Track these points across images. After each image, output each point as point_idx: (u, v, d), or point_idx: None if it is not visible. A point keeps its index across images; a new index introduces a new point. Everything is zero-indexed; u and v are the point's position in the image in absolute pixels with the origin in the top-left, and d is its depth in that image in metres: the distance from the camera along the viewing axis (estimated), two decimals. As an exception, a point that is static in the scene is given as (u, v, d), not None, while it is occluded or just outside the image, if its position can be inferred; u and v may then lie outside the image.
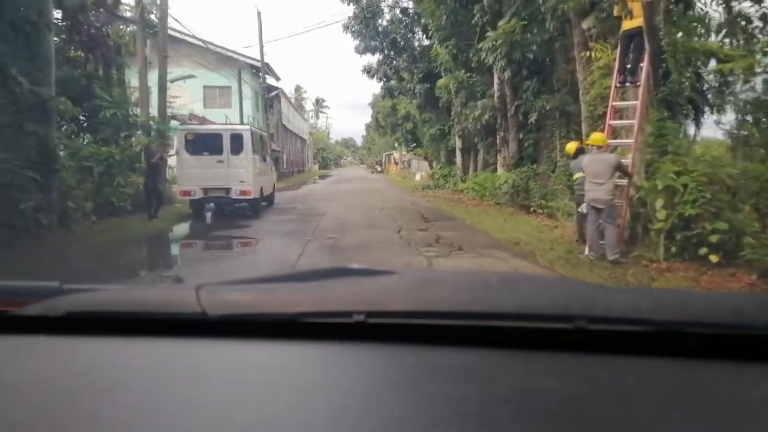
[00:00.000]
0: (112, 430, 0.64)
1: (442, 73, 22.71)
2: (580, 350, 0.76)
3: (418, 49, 25.85)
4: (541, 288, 0.94)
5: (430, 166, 41.21)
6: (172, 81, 20.58)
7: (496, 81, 17.19)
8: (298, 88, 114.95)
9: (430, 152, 32.91)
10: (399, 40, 26.27)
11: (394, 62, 27.41)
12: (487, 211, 15.18)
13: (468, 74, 18.71)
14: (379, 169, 63.04)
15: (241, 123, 31.68)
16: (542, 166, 14.96)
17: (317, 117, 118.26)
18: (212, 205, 14.96)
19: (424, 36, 25.41)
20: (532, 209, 13.95)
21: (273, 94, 34.51)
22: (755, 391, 0.69)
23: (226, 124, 20.91)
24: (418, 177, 38.64)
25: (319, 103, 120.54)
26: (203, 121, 20.25)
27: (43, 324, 0.91)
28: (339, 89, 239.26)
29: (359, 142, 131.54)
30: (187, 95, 35.33)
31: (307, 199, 21.89)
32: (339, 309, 0.84)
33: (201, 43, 28.18)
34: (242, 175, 14.16)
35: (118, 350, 0.87)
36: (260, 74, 32.55)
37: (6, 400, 0.73)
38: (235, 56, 32.48)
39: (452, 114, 23.14)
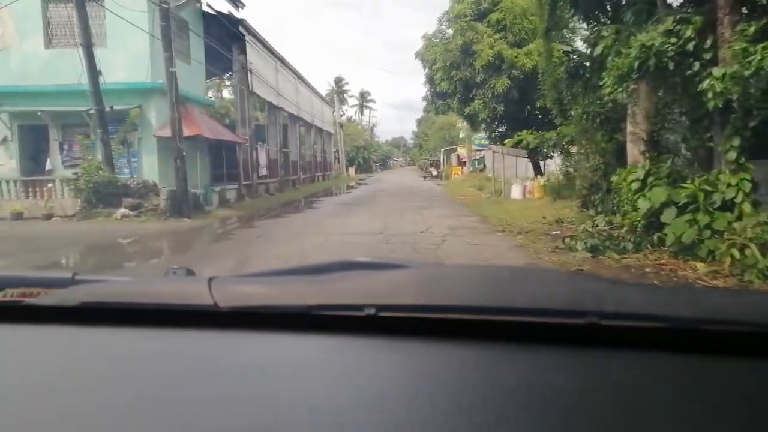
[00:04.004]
0: (124, 418, 0.64)
1: None
2: (591, 346, 0.75)
3: None
4: (553, 283, 0.91)
5: (537, 171, 21.18)
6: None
7: None
8: (339, 80, 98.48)
9: (574, 133, 12.93)
10: None
11: None
12: None
13: None
14: (435, 172, 43.38)
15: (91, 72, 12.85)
16: None
17: (361, 113, 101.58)
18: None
19: None
20: None
21: (180, 3, 15.30)
22: None
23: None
24: (517, 191, 18.80)
25: (363, 96, 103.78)
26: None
27: (58, 314, 0.92)
28: (389, 87, 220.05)
29: (411, 142, 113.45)
30: (11, 22, 16.81)
31: None
32: (350, 302, 0.83)
33: None
34: None
35: (131, 340, 0.87)
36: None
37: (20, 388, 0.73)
38: None
39: None
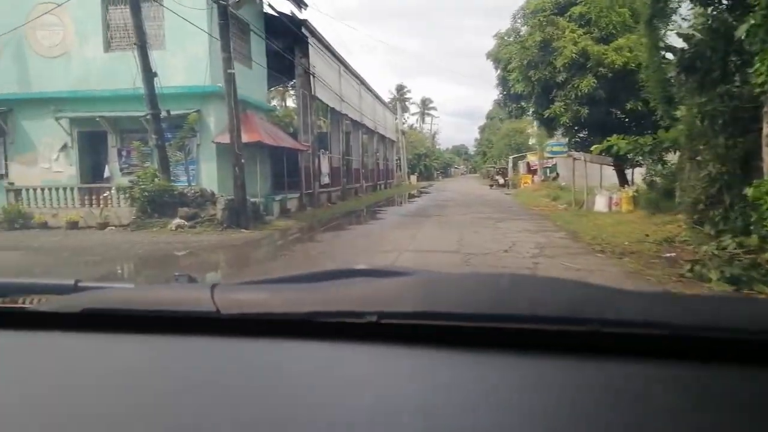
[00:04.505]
0: (125, 425, 0.65)
1: None
2: (593, 353, 0.74)
3: None
4: (554, 290, 0.88)
5: (623, 180, 19.21)
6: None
7: None
8: (400, 87, 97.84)
9: (680, 137, 11.07)
10: None
11: None
12: None
13: None
14: (501, 181, 41.38)
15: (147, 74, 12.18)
16: None
17: (422, 120, 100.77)
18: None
19: None
20: None
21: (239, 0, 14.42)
22: None
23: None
24: (601, 203, 16.97)
25: (425, 104, 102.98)
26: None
27: (60, 320, 0.92)
28: (450, 95, 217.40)
29: (472, 150, 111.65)
30: (71, 25, 16.48)
31: None
32: (352, 309, 0.82)
33: None
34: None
35: (133, 347, 0.87)
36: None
37: (22, 394, 0.74)
38: None
39: None
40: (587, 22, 17.27)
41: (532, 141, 39.95)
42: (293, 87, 31.27)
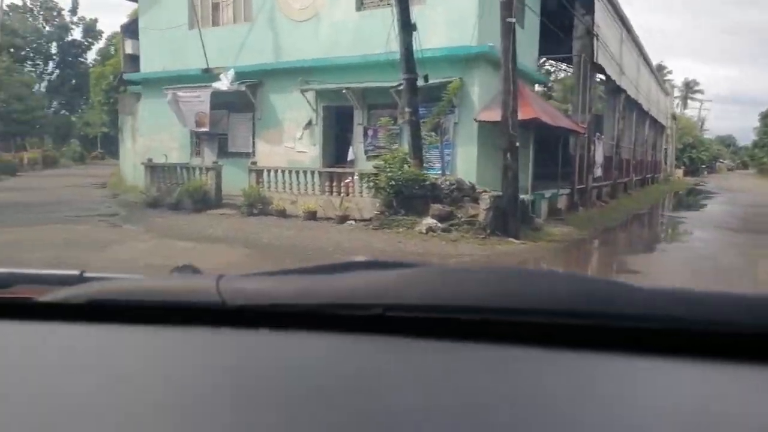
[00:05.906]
0: (131, 417, 0.65)
1: None
2: (600, 347, 0.74)
3: None
4: (562, 284, 0.86)
5: None
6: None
7: None
8: (660, 68, 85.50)
9: None
10: None
11: None
12: None
13: None
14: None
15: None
16: None
17: (684, 106, 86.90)
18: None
19: None
20: None
21: None
22: None
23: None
24: None
25: (689, 86, 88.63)
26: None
27: (65, 311, 0.93)
28: (714, 78, 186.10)
29: (742, 141, 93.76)
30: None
31: None
32: (358, 301, 0.82)
33: None
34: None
35: (138, 338, 0.89)
36: None
37: (27, 385, 0.75)
38: None
39: None
40: None
41: None
42: (551, 61, 26.91)
